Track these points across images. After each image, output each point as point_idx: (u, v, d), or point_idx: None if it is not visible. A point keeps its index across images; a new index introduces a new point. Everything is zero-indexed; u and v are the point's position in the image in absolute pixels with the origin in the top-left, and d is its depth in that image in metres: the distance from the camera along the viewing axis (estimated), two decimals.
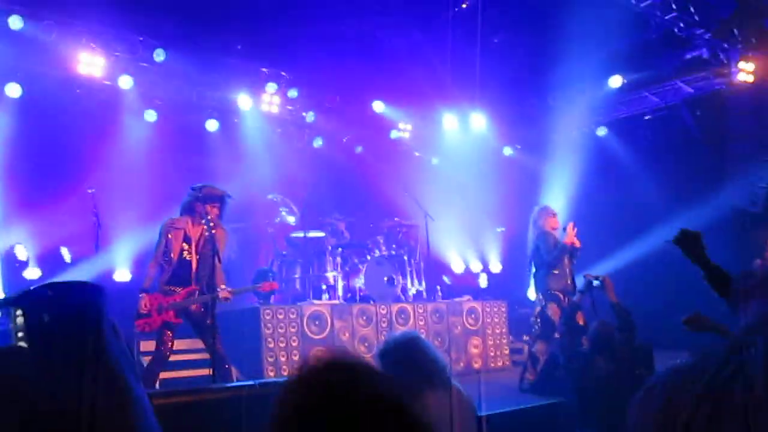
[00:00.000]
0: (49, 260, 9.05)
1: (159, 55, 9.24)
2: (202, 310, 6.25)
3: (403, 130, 12.36)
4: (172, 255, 6.23)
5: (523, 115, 12.27)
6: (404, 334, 3.22)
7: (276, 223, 10.29)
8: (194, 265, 6.24)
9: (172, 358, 6.28)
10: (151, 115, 9.98)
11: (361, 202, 11.93)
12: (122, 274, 9.56)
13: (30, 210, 8.92)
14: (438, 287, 10.48)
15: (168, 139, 10.12)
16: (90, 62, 8.90)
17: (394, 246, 10.33)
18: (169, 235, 6.26)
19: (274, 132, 11.38)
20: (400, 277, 9.93)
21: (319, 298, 9.36)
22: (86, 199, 7.74)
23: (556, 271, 7.80)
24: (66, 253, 9.15)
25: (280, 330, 8.42)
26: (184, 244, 6.26)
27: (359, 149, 12.41)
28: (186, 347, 7.63)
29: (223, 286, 6.08)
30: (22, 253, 8.82)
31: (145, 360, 6.76)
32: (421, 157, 12.82)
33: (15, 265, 8.73)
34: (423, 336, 3.38)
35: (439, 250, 12.12)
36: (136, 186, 9.51)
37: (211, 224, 5.91)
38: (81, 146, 9.37)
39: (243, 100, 10.60)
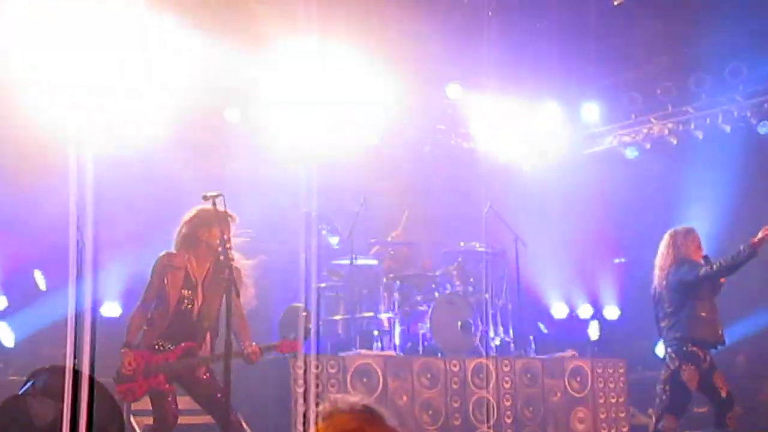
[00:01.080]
0: (19, 286, 9.31)
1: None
2: (207, 376, 6.23)
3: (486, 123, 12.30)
4: (167, 305, 6.24)
5: (653, 104, 11.99)
6: None
7: (313, 246, 10.34)
8: (195, 313, 6.25)
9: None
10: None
11: (429, 220, 11.88)
12: (111, 308, 9.77)
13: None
14: (531, 338, 10.36)
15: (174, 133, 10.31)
16: None
17: (471, 280, 10.29)
18: (166, 279, 6.27)
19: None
20: (480, 322, 9.86)
21: (369, 348, 9.36)
22: (67, 209, 7.95)
23: (702, 313, 7.49)
24: (40, 279, 9.40)
25: (314, 389, 8.42)
26: (184, 291, 6.27)
27: (428, 149, 12.38)
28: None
29: (249, 342, 6.13)
30: None
31: (138, 423, 6.86)
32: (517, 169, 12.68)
33: None
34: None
35: (534, 286, 11.95)
36: (132, 193, 9.70)
37: (229, 255, 5.94)
38: (62, 137, 9.65)
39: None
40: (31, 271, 9.43)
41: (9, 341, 8.94)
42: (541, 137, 12.41)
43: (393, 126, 11.89)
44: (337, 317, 9.88)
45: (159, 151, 9.93)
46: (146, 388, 6.11)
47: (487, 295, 10.27)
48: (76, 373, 4.70)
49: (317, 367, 8.50)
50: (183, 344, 6.22)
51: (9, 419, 4.12)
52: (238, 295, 5.91)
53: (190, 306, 6.25)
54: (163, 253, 6.36)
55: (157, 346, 6.22)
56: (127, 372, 6.08)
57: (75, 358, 7.95)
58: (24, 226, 9.13)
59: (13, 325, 9.01)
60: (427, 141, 12.35)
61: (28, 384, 4.42)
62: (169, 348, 6.21)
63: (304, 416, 8.31)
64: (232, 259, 5.85)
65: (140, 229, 9.36)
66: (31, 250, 9.22)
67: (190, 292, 6.27)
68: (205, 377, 6.26)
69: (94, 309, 9.44)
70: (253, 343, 6.18)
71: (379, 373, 8.79)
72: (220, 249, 6.10)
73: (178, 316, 6.24)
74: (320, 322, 9.86)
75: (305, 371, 8.47)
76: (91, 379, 4.62)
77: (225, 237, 5.96)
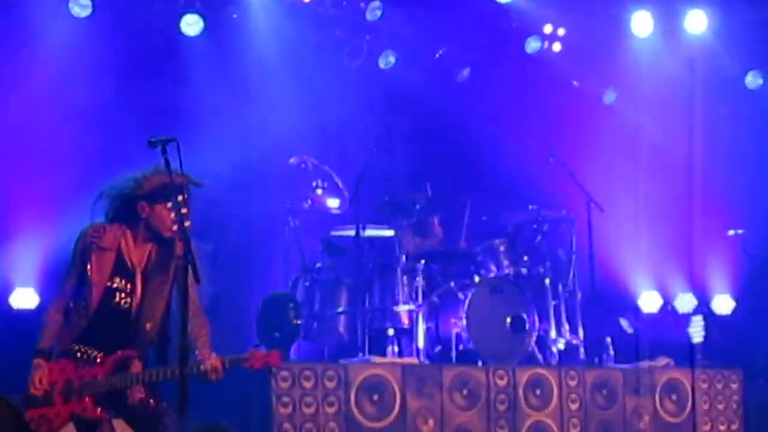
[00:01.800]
0: None
1: None
2: (149, 398, 6.28)
3: (549, 38, 12.30)
4: (89, 296, 6.23)
5: None
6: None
7: (304, 208, 10.44)
8: (133, 312, 6.29)
9: None
10: (82, 6, 10.27)
11: (466, 177, 11.92)
12: (24, 297, 9.85)
13: None
14: (609, 340, 10.42)
15: (112, 53, 10.40)
16: None
17: (526, 259, 10.35)
18: (89, 262, 6.24)
19: (306, 39, 11.53)
20: (537, 318, 9.94)
21: (383, 353, 9.45)
22: None
23: None
24: None
25: (306, 410, 8.54)
26: (116, 279, 6.32)
27: (465, 74, 12.41)
28: None
29: (208, 351, 6.15)
30: None
31: None
32: (583, 90, 12.71)
33: None
34: None
35: (614, 268, 12.00)
36: (52, 143, 9.79)
37: (184, 214, 5.95)
38: None
39: None
40: None
41: None
42: (628, 59, 12.39)
43: (415, 39, 11.89)
44: (339, 310, 9.95)
45: (88, 71, 10.02)
46: (67, 416, 6.11)
47: (548, 281, 10.32)
48: None
49: (308, 381, 8.56)
50: (119, 353, 6.23)
51: None
52: (198, 280, 5.93)
53: (126, 302, 6.27)
54: (88, 224, 6.37)
55: (80, 354, 6.23)
56: (36, 392, 6.10)
57: None
58: None
59: None
60: (464, 63, 12.34)
61: None
62: (97, 357, 6.23)
63: None
64: (186, 248, 5.83)
65: (65, 185, 9.47)
66: None
67: (124, 282, 6.29)
68: (147, 401, 6.29)
69: (1, 298, 9.67)
70: (213, 354, 6.20)
71: (396, 388, 8.86)
72: (172, 225, 6.13)
73: (106, 314, 6.24)
74: (314, 318, 9.96)
75: (292, 385, 8.57)
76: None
77: (181, 207, 5.96)
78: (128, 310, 6.23)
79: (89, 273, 6.20)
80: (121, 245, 6.27)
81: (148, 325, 6.24)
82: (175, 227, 6.05)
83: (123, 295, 6.23)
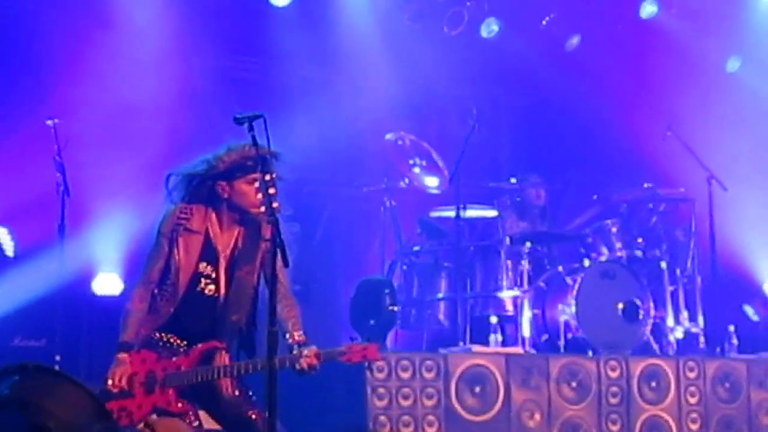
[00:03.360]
0: None
1: None
2: (237, 393, 6.33)
3: (666, 2, 12.16)
4: (177, 283, 6.31)
5: None
6: None
7: (401, 188, 10.48)
8: (220, 304, 6.34)
9: None
10: None
11: (575, 152, 11.88)
12: (107, 282, 10.09)
13: None
14: (731, 328, 10.27)
15: (197, 25, 10.55)
16: None
17: (640, 241, 10.29)
18: (177, 244, 6.30)
19: (403, 7, 11.56)
20: (653, 305, 9.88)
21: (485, 342, 9.45)
22: (44, 139, 8.25)
23: None
24: (6, 240, 9.78)
25: (403, 402, 8.58)
26: (202, 265, 6.41)
27: (574, 42, 12.34)
28: None
29: (299, 333, 6.17)
30: None
31: None
32: (704, 58, 12.55)
33: None
34: None
35: (737, 251, 11.85)
36: (135, 117, 9.98)
37: (272, 195, 5.93)
38: (38, 42, 9.92)
39: None
40: None
41: None
42: (753, 24, 12.23)
43: (519, 5, 11.89)
44: (438, 296, 10.00)
45: (174, 47, 10.21)
46: (149, 409, 6.18)
47: (664, 265, 10.23)
48: (58, 376, 4.91)
49: (406, 371, 8.62)
50: (203, 344, 6.30)
51: None
52: (287, 264, 5.94)
53: (211, 289, 6.34)
54: (174, 205, 6.42)
55: (162, 343, 6.31)
56: (114, 388, 6.16)
57: (57, 355, 8.44)
58: None
59: None
60: (574, 30, 12.27)
61: None
62: (180, 347, 6.31)
63: None
64: (275, 219, 5.82)
65: (150, 166, 9.63)
66: None
67: (210, 267, 6.36)
68: (234, 394, 6.35)
69: (84, 283, 9.89)
70: (312, 347, 6.22)
71: (499, 380, 8.86)
72: (258, 202, 6.13)
73: (193, 302, 6.31)
74: (411, 304, 10.00)
75: (388, 376, 8.62)
76: (79, 387, 4.84)
77: (269, 187, 5.95)
78: (213, 298, 6.28)
79: (177, 256, 6.23)
80: (209, 228, 6.33)
81: (234, 316, 6.30)
82: (261, 205, 5.96)
83: (208, 281, 6.28)
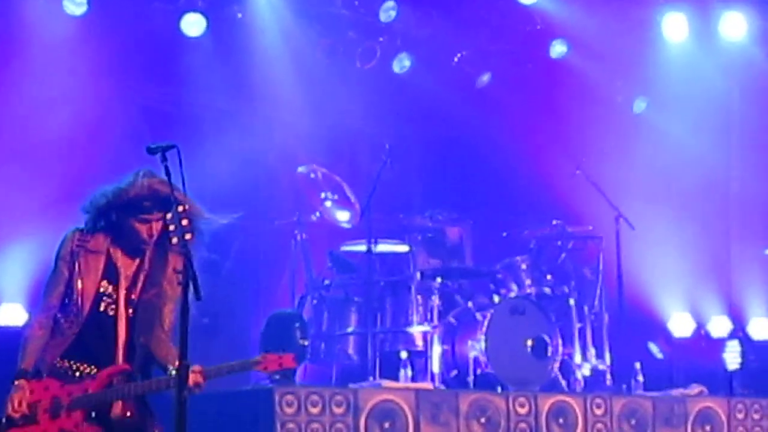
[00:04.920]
0: None
1: None
2: (129, 414, 6.25)
3: (575, 42, 12.29)
4: (79, 303, 6.30)
5: None
6: None
7: (312, 221, 10.44)
8: (122, 326, 6.28)
9: None
10: (77, 4, 10.30)
11: (486, 189, 11.93)
12: (10, 313, 9.87)
13: None
14: (638, 365, 10.36)
15: (108, 52, 10.44)
16: None
17: (549, 278, 10.34)
18: (77, 262, 6.24)
19: (315, 41, 11.55)
20: (560, 342, 9.92)
21: (395, 377, 9.41)
22: None
23: None
24: None
25: None
26: (104, 284, 6.30)
27: (485, 79, 12.42)
28: None
29: (178, 363, 6.13)
30: None
31: None
32: (612, 98, 12.72)
33: None
34: None
35: (643, 288, 11.98)
36: (43, 146, 9.81)
37: (185, 227, 5.93)
38: None
39: None
40: None
41: None
42: (659, 65, 12.40)
43: (432, 42, 11.92)
44: (348, 330, 9.96)
45: (83, 73, 10.05)
46: None
47: (572, 301, 10.30)
48: None
49: (315, 406, 8.57)
50: (111, 367, 6.25)
51: None
52: (199, 297, 5.90)
53: (113, 309, 6.30)
54: (72, 229, 6.37)
55: (69, 371, 6.25)
56: (15, 414, 6.11)
57: None
58: None
59: None
60: (484, 67, 12.35)
61: None
62: (86, 372, 6.26)
63: None
64: (188, 252, 5.80)
65: (56, 194, 9.48)
66: None
67: (112, 288, 6.33)
68: (125, 414, 6.31)
69: None
70: (195, 366, 6.17)
71: (409, 415, 8.80)
72: (145, 240, 6.16)
73: (96, 323, 6.27)
74: (321, 338, 9.94)
75: (298, 410, 8.55)
76: None
77: (181, 219, 5.93)
78: (114, 318, 6.24)
79: (78, 277, 6.16)
80: (110, 250, 6.29)
81: (142, 338, 6.25)
82: (148, 244, 6.10)
83: (110, 301, 6.24)
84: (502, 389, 9.41)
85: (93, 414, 6.15)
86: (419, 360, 9.75)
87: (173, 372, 6.00)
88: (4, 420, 6.04)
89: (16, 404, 5.96)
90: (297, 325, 9.53)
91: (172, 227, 5.94)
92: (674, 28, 12.16)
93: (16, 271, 9.76)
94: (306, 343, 9.43)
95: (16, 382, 6.02)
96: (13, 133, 9.78)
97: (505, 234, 10.95)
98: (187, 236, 5.85)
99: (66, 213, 6.90)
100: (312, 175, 10.45)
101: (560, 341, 9.89)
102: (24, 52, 9.96)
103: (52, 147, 9.78)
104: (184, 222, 5.89)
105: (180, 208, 5.90)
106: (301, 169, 10.46)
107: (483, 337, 9.59)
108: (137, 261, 6.30)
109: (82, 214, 6.24)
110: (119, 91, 10.41)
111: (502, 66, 12.39)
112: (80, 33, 10.25)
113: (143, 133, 9.65)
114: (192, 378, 6.05)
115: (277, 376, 9.05)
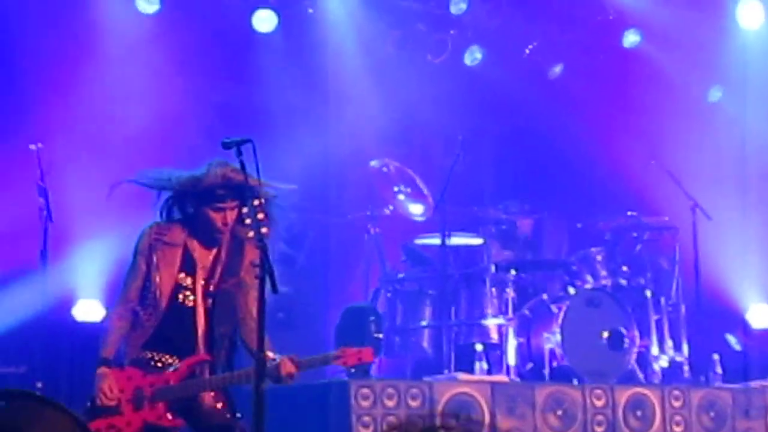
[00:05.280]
0: None
1: None
2: (222, 406, 6.33)
3: (647, 31, 12.20)
4: (157, 295, 6.35)
5: None
6: None
7: (385, 215, 10.47)
8: (201, 316, 6.35)
9: None
10: (149, 2, 10.40)
11: (560, 180, 11.87)
12: (89, 309, 10.03)
13: None
14: (716, 357, 10.28)
15: (181, 49, 10.53)
16: None
17: (625, 269, 10.30)
18: (155, 255, 6.37)
19: (386, 35, 11.56)
20: (637, 334, 9.86)
21: (470, 370, 9.43)
22: (27, 165, 8.19)
23: None
24: None
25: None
26: (181, 276, 6.45)
27: (557, 70, 12.36)
28: None
29: (272, 355, 6.15)
30: None
31: None
32: (687, 87, 12.59)
33: None
34: None
35: (721, 279, 11.84)
36: (118, 142, 9.94)
37: (261, 220, 5.95)
38: (22, 66, 9.92)
39: None
40: None
41: None
42: (735, 53, 12.26)
43: (503, 33, 11.89)
44: (422, 323, 9.98)
45: (157, 71, 10.17)
46: (139, 425, 6.22)
47: (649, 293, 10.22)
48: (43, 402, 4.86)
49: (391, 399, 8.57)
50: (191, 358, 6.32)
51: None
52: (275, 291, 5.93)
53: (191, 300, 6.37)
54: (149, 223, 6.46)
55: (151, 361, 6.33)
56: (105, 402, 6.19)
57: (39, 382, 8.35)
58: None
59: None
60: (557, 59, 12.29)
61: None
62: (168, 363, 6.32)
63: None
64: (264, 245, 5.83)
65: (131, 191, 9.57)
66: None
67: (190, 279, 6.39)
68: (216, 406, 6.38)
69: (65, 310, 9.82)
70: (288, 356, 6.21)
71: (485, 408, 8.84)
72: (218, 229, 6.23)
73: (175, 314, 6.34)
74: (395, 332, 9.96)
75: (374, 404, 8.58)
76: (62, 411, 4.78)
77: (257, 213, 5.96)
78: (192, 309, 6.31)
79: (156, 271, 6.31)
80: (187, 242, 6.36)
81: (222, 328, 6.33)
82: (222, 232, 6.24)
83: (188, 292, 6.32)
84: (579, 382, 9.39)
85: (176, 405, 6.25)
86: (494, 353, 9.76)
87: (272, 359, 6.10)
88: (89, 405, 6.20)
89: (107, 392, 6.13)
90: (371, 318, 9.57)
91: (248, 221, 6.01)
92: (749, 15, 12.01)
93: (93, 267, 9.89)
94: (380, 336, 9.46)
95: (99, 371, 6.19)
96: (91, 130, 9.92)
97: (579, 225, 10.92)
98: (264, 230, 5.90)
99: (141, 209, 7.02)
100: (384, 169, 10.47)
101: (637, 333, 9.83)
102: (99, 51, 10.09)
103: (128, 144, 9.87)
104: (260, 216, 5.94)
105: (256, 202, 5.96)
106: (373, 163, 10.50)
107: (558, 330, 9.58)
108: (214, 251, 6.39)
109: (157, 195, 6.46)
110: (193, 88, 10.52)
111: (574, 56, 12.30)
112: (153, 31, 10.37)
113: (217, 129, 9.70)
114: (285, 368, 6.12)
115: (353, 370, 9.11)
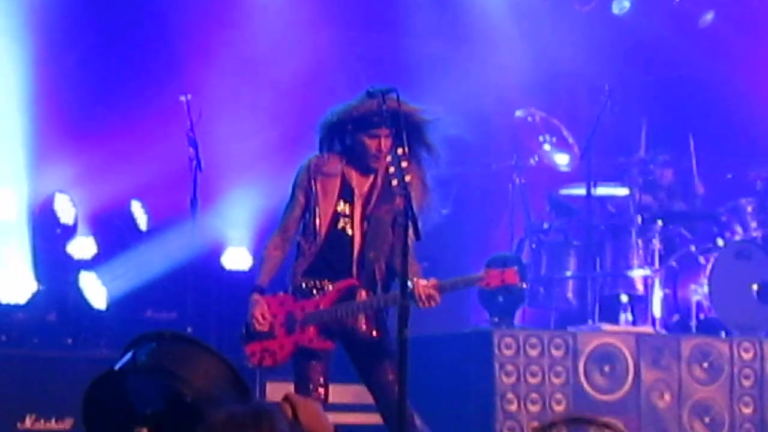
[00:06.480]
0: (112, 225, 9.93)
1: None
2: (378, 334, 6.62)
3: None
4: (317, 224, 6.58)
5: None
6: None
7: (530, 165, 10.47)
8: (357, 242, 6.57)
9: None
10: None
11: (709, 130, 11.70)
12: (237, 257, 10.30)
13: (81, 137, 9.78)
14: None
15: (326, 2, 10.65)
16: None
17: None
18: (314, 187, 6.61)
19: None
20: None
21: (615, 321, 9.44)
22: (177, 116, 8.41)
23: None
24: (140, 214, 10.00)
25: (531, 380, 8.60)
26: (340, 203, 6.66)
27: (708, 18, 12.14)
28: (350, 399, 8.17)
29: (417, 279, 6.29)
30: (65, 210, 9.68)
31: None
32: None
33: (55, 232, 9.66)
34: None
35: None
36: (265, 93, 10.15)
37: (404, 168, 6.05)
38: (171, 19, 10.18)
39: None
40: (127, 202, 10.02)
41: (100, 301, 9.55)
42: None
43: None
44: (567, 273, 10.00)
45: (305, 23, 10.37)
46: (291, 348, 6.46)
47: None
48: (195, 345, 5.03)
49: (534, 348, 8.62)
50: (340, 282, 6.51)
51: (101, 403, 4.44)
52: (418, 237, 6.03)
53: (348, 228, 6.55)
54: (309, 157, 6.70)
55: (313, 288, 6.54)
56: (258, 328, 6.44)
57: (189, 327, 8.61)
58: (117, 140, 9.75)
59: (105, 278, 9.62)
60: (709, 5, 12.06)
61: (127, 357, 4.76)
62: (319, 287, 6.53)
63: (511, 415, 8.51)
64: (409, 177, 5.96)
65: (278, 141, 9.78)
66: (128, 174, 9.78)
67: (349, 207, 6.57)
68: (371, 334, 6.54)
69: (214, 258, 10.08)
70: (427, 280, 6.32)
71: (629, 359, 8.85)
72: (374, 156, 6.41)
73: (335, 241, 6.55)
74: (540, 282, 9.99)
75: (516, 353, 8.64)
76: (211, 353, 4.94)
77: (401, 162, 6.05)
78: (351, 236, 6.50)
79: (316, 200, 6.57)
80: (344, 171, 6.59)
81: (372, 253, 6.49)
82: (377, 159, 6.42)
83: (347, 219, 6.52)
84: (726, 334, 9.33)
85: (328, 329, 6.45)
86: (639, 304, 9.71)
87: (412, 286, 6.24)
88: (244, 331, 6.53)
89: (260, 317, 6.44)
90: (516, 268, 9.56)
91: (392, 169, 6.12)
92: None
93: (241, 216, 10.13)
94: (525, 286, 9.48)
95: (252, 297, 6.52)
96: (240, 82, 10.13)
97: (730, 176, 10.75)
98: (407, 177, 6.00)
99: (288, 158, 7.19)
100: (530, 119, 10.47)
101: None
102: (247, 2, 10.28)
103: (275, 95, 10.07)
104: (404, 164, 6.05)
105: (399, 151, 6.06)
106: (518, 112, 10.50)
107: (706, 281, 9.50)
108: (370, 178, 6.59)
109: (316, 135, 6.70)
110: (338, 39, 10.63)
111: (725, 3, 12.06)
112: None
113: (361, 80, 9.81)
114: (424, 291, 6.24)
115: (497, 319, 9.19)
